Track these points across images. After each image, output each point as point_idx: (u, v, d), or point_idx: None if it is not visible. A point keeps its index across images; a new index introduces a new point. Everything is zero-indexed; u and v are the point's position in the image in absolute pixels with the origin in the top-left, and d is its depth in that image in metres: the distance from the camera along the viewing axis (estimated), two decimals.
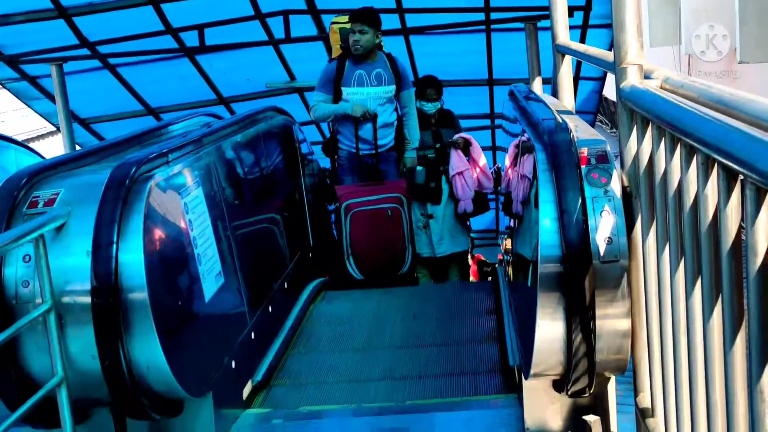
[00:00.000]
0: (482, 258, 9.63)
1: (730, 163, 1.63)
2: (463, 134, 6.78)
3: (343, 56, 6.18)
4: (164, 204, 3.12)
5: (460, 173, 6.63)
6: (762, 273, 1.56)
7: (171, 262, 3.14)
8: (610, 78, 3.18)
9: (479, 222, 10.06)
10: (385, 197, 6.04)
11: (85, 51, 7.83)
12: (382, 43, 6.24)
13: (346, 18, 6.34)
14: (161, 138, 4.35)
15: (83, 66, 7.99)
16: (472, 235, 7.51)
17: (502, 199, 5.20)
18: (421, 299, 5.42)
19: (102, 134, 9.00)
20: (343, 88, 6.08)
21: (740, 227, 1.72)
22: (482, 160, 6.77)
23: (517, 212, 3.66)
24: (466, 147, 6.70)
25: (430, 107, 6.69)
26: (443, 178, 6.72)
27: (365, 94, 6.09)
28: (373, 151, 6.17)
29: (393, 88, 6.15)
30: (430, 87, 6.72)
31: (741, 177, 1.62)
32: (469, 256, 9.26)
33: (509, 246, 4.15)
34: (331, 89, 6.11)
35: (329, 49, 7.13)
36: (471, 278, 8.96)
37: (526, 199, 3.28)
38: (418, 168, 6.62)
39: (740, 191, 1.65)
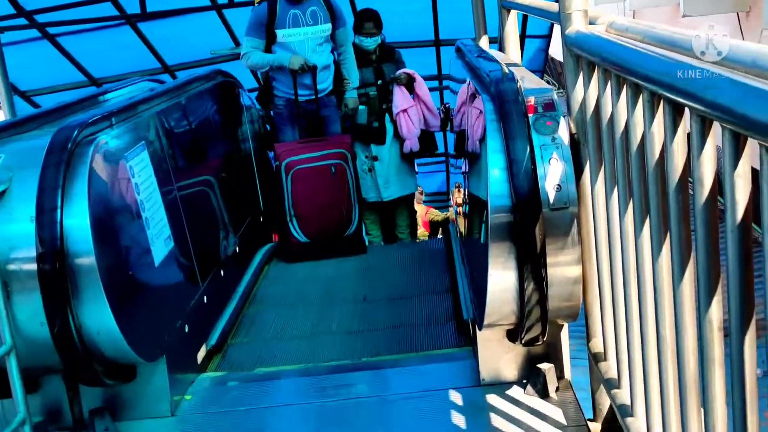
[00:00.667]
0: (433, 209, 9.58)
1: (675, 97, 1.64)
2: (407, 69, 6.35)
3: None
4: (109, 167, 3.05)
5: (405, 111, 6.24)
6: (708, 204, 1.57)
7: (118, 226, 3.09)
8: (556, 36, 3.20)
9: (430, 184, 10.07)
10: (328, 153, 5.65)
11: (22, 21, 7.64)
12: None
13: None
14: (105, 103, 4.26)
15: (21, 36, 7.80)
16: (424, 198, 7.40)
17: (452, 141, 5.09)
18: (374, 260, 5.45)
19: (44, 106, 8.81)
20: (277, 31, 5.63)
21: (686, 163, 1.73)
22: (428, 96, 6.38)
23: (468, 160, 3.66)
24: (410, 83, 6.28)
25: (370, 42, 6.23)
26: (387, 117, 6.32)
27: (302, 34, 5.66)
28: (313, 97, 5.76)
29: (329, 26, 5.72)
30: (368, 21, 6.23)
31: (687, 110, 1.63)
32: (421, 206, 9.20)
33: (459, 200, 4.16)
34: (263, 33, 5.66)
35: None
36: (421, 228, 8.95)
37: (475, 150, 3.28)
38: (360, 107, 6.25)
39: (685, 124, 1.66)
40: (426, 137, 6.41)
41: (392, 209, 6.73)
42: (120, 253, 3.05)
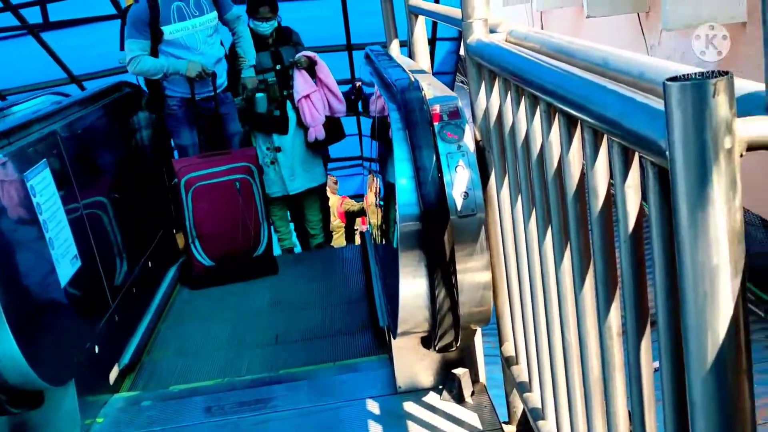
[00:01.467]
0: (348, 198, 9.26)
1: (568, 109, 1.66)
2: (307, 52, 5.88)
3: None
4: (7, 188, 2.96)
5: (307, 96, 5.75)
6: (603, 214, 1.60)
7: (19, 248, 2.99)
8: None
9: (349, 188, 10.01)
10: (231, 167, 5.18)
11: None
12: None
13: None
14: (5, 119, 4.13)
15: None
16: (330, 166, 6.69)
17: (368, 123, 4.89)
18: (290, 266, 5.41)
19: None
20: (163, 28, 5.10)
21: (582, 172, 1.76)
22: (331, 79, 5.89)
23: (377, 164, 3.67)
24: (311, 67, 5.81)
25: (266, 27, 5.77)
26: (288, 104, 5.86)
27: (191, 27, 5.17)
28: (211, 94, 5.29)
29: (215, 14, 5.29)
30: (263, 5, 5.75)
31: (580, 122, 1.65)
32: (335, 196, 8.78)
33: (374, 188, 4.08)
34: (147, 32, 5.11)
35: None
36: (336, 219, 8.59)
37: (382, 159, 3.29)
38: (258, 95, 5.78)
39: (580, 136, 1.68)
40: (332, 124, 5.97)
41: (301, 203, 6.29)
42: (22, 276, 2.96)
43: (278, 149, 5.88)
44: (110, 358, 3.67)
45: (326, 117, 5.86)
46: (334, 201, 8.47)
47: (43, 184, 3.25)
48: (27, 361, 2.75)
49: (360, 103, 5.87)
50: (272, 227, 5.94)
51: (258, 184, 5.24)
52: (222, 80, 5.42)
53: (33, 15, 7.54)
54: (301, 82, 5.74)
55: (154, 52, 5.17)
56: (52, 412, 3.09)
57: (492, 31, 2.68)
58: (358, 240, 9.20)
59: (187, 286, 5.09)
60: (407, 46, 5.02)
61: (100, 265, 3.71)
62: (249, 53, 5.60)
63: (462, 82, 16.29)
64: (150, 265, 4.67)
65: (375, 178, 4.41)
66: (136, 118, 5.27)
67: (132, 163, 4.92)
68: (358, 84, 6.02)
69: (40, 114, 3.64)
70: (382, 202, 3.52)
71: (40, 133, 3.47)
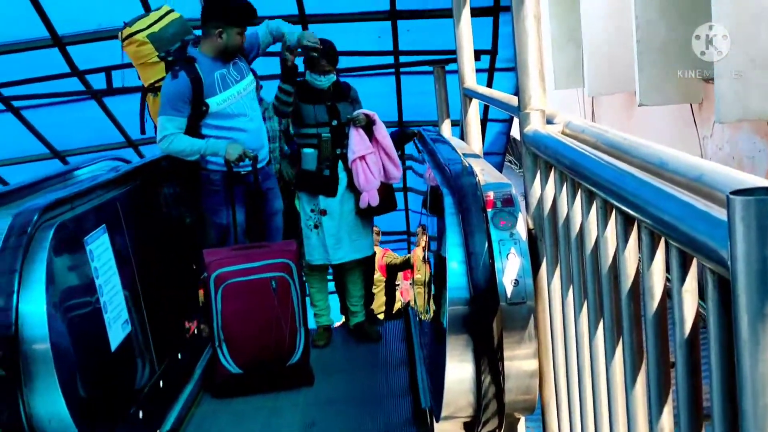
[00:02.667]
0: (390, 251, 8.79)
1: (625, 208, 1.68)
2: (366, 111, 5.35)
3: (175, 65, 4.57)
4: (68, 252, 3.05)
5: (362, 158, 5.20)
6: (658, 314, 1.60)
7: (75, 311, 3.06)
8: (517, 120, 3.26)
9: (387, 223, 9.80)
10: (268, 264, 4.48)
11: None
12: None
13: (146, 21, 4.82)
14: (66, 183, 4.26)
15: None
16: (380, 239, 6.01)
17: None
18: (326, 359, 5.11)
19: (5, 178, 8.76)
20: (209, 100, 4.55)
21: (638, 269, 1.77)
22: (388, 141, 5.36)
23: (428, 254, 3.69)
24: (368, 126, 5.30)
25: (324, 81, 5.21)
26: (340, 164, 5.27)
27: (237, 94, 4.66)
28: (250, 168, 4.69)
29: (252, 76, 4.85)
30: (322, 58, 5.14)
31: (637, 221, 1.67)
32: (378, 248, 8.25)
33: (423, 243, 4.03)
34: (187, 110, 4.52)
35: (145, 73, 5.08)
36: (377, 273, 7.94)
37: (435, 242, 3.32)
38: (308, 150, 5.23)
39: (637, 235, 1.70)
40: (386, 191, 5.40)
41: (343, 274, 5.70)
42: (76, 339, 3.02)
43: (324, 212, 5.28)
44: (153, 423, 3.70)
45: (380, 182, 5.34)
46: (377, 253, 8.19)
47: (101, 248, 3.34)
48: (74, 422, 2.79)
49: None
50: (308, 296, 5.42)
51: (297, 284, 4.55)
52: (265, 153, 4.90)
53: (97, 80, 7.78)
54: (358, 141, 5.23)
55: (192, 129, 4.60)
56: None
57: (549, 122, 2.73)
58: (399, 296, 9.07)
59: (209, 392, 4.57)
60: (459, 125, 5.10)
61: (149, 329, 3.77)
62: (291, 27, 4.94)
63: (510, 162, 16.40)
64: (197, 330, 4.71)
65: (425, 232, 4.36)
66: (191, 188, 5.36)
67: (185, 232, 5.00)
68: (417, 131, 5.67)
69: (101, 181, 3.75)
70: (431, 283, 3.54)
71: (101, 199, 3.57)
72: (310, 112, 5.20)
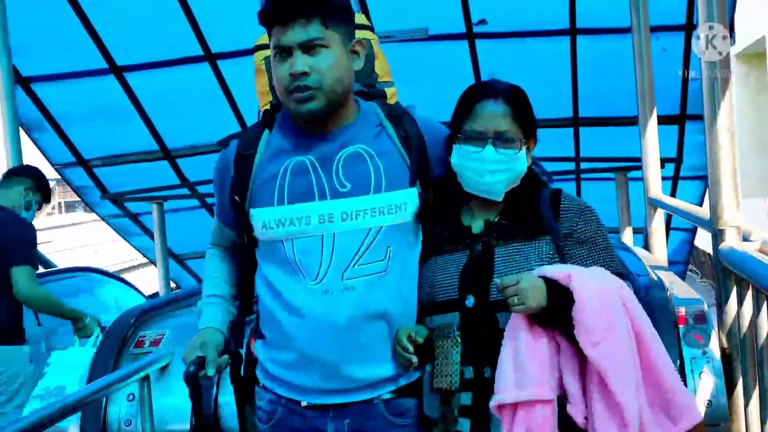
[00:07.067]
0: None
1: None
2: None
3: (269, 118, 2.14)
4: None
5: None
6: None
7: None
8: (702, 230, 3.16)
9: None
10: None
11: (184, 191, 8.08)
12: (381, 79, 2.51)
13: None
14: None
15: (181, 205, 8.24)
16: None
17: None
18: None
19: (195, 271, 9.21)
20: (253, 211, 2.03)
21: None
22: None
23: None
24: None
25: None
26: None
27: (316, 223, 2.00)
28: (339, 400, 2.03)
29: (406, 191, 2.03)
30: None
31: None
32: None
33: None
34: (230, 212, 2.13)
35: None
36: None
37: None
38: None
39: None
40: None
41: None
42: None
43: None
44: None
45: None
46: None
47: None
48: None
49: None
50: None
51: None
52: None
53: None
54: None
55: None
56: None
57: (744, 239, 2.67)
58: None
59: None
60: (640, 233, 5.01)
61: None
62: None
63: (692, 270, 15.81)
64: None
65: None
66: None
67: None
68: None
69: None
70: None
71: None
72: None
